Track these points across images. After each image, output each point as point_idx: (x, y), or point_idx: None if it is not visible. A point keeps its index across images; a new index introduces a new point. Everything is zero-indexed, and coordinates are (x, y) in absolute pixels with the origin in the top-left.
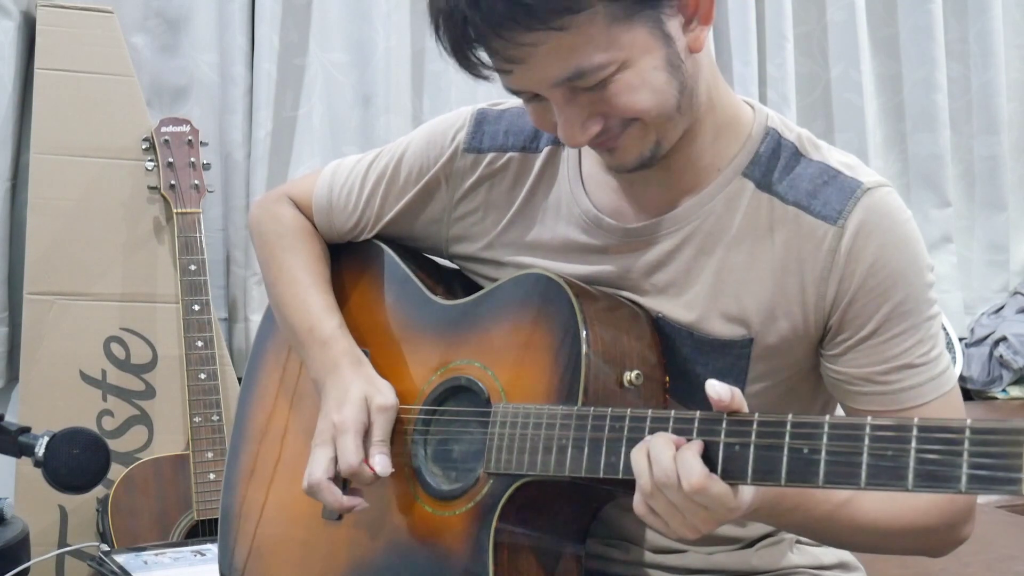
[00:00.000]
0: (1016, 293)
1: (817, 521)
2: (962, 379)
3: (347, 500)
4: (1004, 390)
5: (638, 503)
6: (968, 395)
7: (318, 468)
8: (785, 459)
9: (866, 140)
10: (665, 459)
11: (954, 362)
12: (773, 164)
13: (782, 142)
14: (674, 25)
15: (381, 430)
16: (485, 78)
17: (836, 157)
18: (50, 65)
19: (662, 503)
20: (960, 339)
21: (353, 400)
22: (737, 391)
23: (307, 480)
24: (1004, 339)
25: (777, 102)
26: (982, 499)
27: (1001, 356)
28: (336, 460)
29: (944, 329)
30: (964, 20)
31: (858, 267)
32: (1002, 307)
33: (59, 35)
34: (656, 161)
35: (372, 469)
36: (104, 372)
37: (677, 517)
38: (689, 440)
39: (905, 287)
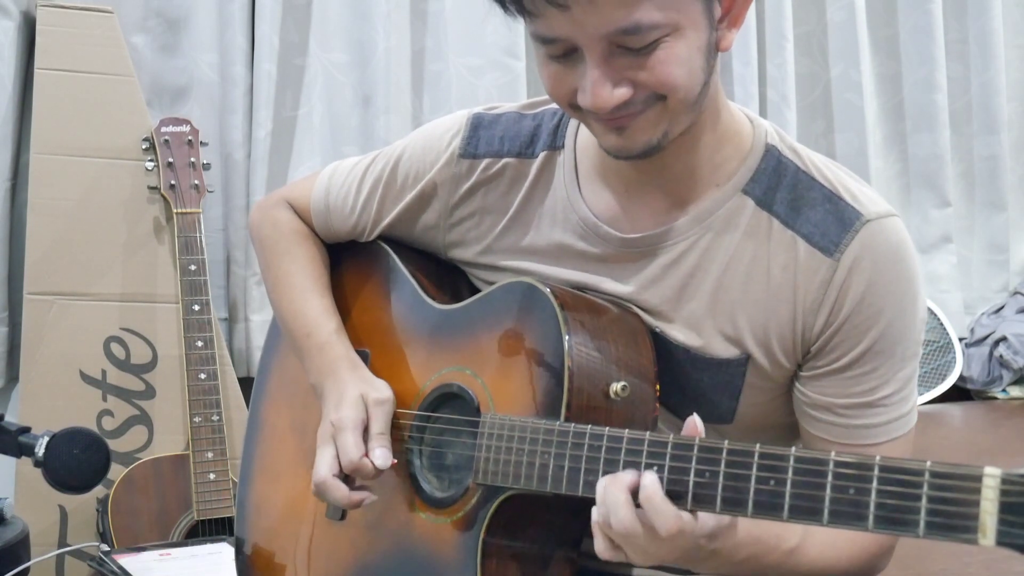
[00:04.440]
0: (1016, 293)
1: (764, 567)
2: (962, 379)
3: (355, 495)
4: (1004, 390)
5: (604, 550)
6: (968, 395)
7: (322, 467)
8: (752, 490)
9: (866, 140)
10: (624, 514)
11: (954, 362)
12: (775, 183)
13: (782, 160)
14: (717, 14)
15: (379, 423)
16: (516, 14)
17: (840, 179)
18: (50, 65)
19: (631, 550)
20: (960, 339)
21: (349, 399)
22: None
23: (313, 480)
24: (1004, 339)
25: (777, 102)
26: None
27: (1001, 356)
28: (339, 458)
29: (944, 329)
30: (964, 20)
31: (846, 302)
32: (1002, 307)
33: (59, 35)
34: (657, 152)
35: (373, 463)
36: (104, 372)
37: (638, 554)
38: (655, 470)
39: (885, 326)
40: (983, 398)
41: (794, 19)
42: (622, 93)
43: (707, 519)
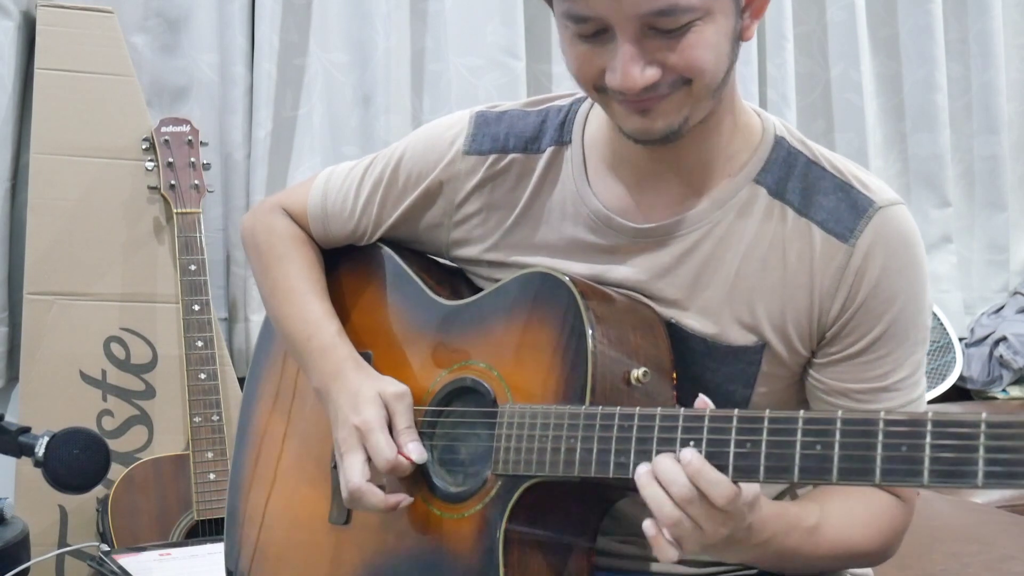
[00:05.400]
0: (1016, 293)
1: (784, 549)
2: (962, 379)
3: (392, 498)
4: (1004, 390)
5: (655, 535)
6: (968, 395)
7: (354, 474)
8: (798, 456)
9: (866, 140)
10: (680, 478)
11: (954, 362)
12: (786, 172)
13: (791, 150)
14: (742, 2)
15: (403, 418)
16: None
17: (849, 168)
18: (50, 65)
19: (687, 524)
20: (960, 339)
21: (366, 398)
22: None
23: (346, 489)
24: (1004, 339)
25: (777, 102)
26: (981, 498)
27: (1001, 356)
28: (369, 462)
29: (944, 329)
30: (964, 20)
31: (862, 286)
32: (1002, 307)
33: (59, 35)
34: (677, 138)
35: (408, 458)
36: (104, 372)
37: (696, 534)
38: (691, 445)
39: (898, 311)
40: (983, 398)
41: (794, 19)
42: (652, 74)
43: (748, 488)
